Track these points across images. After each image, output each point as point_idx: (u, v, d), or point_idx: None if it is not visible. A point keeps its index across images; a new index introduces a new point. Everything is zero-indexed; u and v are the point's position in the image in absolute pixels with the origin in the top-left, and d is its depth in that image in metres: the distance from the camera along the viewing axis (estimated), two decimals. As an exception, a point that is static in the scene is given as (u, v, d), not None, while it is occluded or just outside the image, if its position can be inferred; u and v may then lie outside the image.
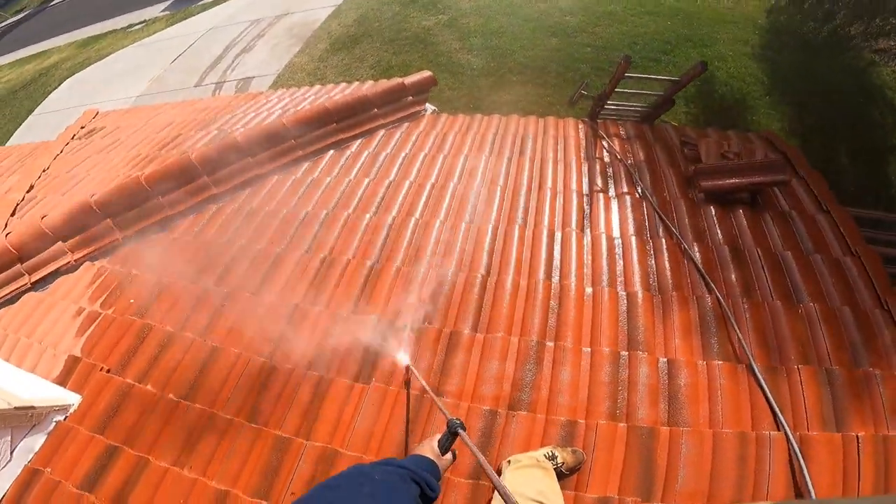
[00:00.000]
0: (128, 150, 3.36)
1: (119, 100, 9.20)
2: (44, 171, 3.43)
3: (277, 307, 2.01)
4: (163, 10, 12.97)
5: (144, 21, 12.76)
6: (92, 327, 2.08)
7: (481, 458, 1.01)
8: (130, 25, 12.81)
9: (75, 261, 2.37)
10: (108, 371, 1.93)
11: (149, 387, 1.85)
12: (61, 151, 3.69)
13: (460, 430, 1.14)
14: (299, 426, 1.69)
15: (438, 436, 1.17)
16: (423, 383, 1.59)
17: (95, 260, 2.39)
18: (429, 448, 1.12)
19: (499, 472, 1.49)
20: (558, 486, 1.39)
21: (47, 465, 1.74)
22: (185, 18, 11.92)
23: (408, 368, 1.75)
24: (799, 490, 1.43)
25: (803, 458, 1.46)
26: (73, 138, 3.92)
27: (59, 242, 2.37)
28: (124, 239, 2.43)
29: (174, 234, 2.42)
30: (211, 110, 3.66)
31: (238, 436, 1.69)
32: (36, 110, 10.17)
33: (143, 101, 8.90)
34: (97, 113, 4.35)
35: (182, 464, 1.66)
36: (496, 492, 1.36)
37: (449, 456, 1.15)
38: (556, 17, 8.13)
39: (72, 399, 1.87)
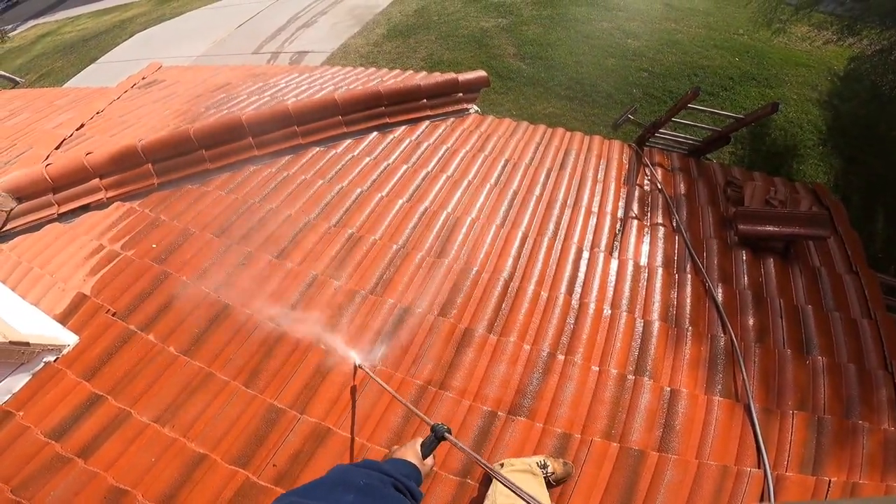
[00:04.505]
0: (182, 103, 3.48)
1: (181, 57, 9.53)
2: (98, 112, 3.57)
3: (297, 274, 2.03)
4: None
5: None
6: (108, 267, 2.06)
7: (475, 455, 1.00)
8: (211, -14, 13.23)
9: (107, 198, 2.39)
10: (115, 314, 1.88)
11: (150, 336, 1.81)
12: (118, 97, 3.85)
13: (447, 435, 1.12)
14: (296, 398, 1.67)
15: (421, 439, 1.15)
16: (391, 391, 1.53)
17: (127, 201, 2.41)
18: (412, 452, 1.10)
19: (489, 476, 1.50)
20: (547, 495, 1.40)
21: (21, 409, 1.65)
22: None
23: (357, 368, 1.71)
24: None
25: (774, 496, 1.51)
26: (133, 87, 4.09)
27: (96, 179, 2.41)
28: (160, 185, 2.46)
29: (208, 188, 2.47)
30: (267, 76, 3.76)
31: (231, 399, 1.65)
32: (100, 59, 10.60)
33: (203, 62, 9.21)
34: (160, 66, 4.52)
35: (164, 421, 1.61)
36: (493, 484, 1.38)
37: (430, 460, 1.13)
38: (617, 38, 8.05)
39: (68, 339, 1.78)
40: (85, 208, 2.39)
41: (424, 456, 1.12)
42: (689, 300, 2.12)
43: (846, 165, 6.01)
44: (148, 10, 12.92)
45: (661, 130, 3.43)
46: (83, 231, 2.27)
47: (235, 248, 2.14)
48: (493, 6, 9.16)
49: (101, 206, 2.41)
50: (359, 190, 2.45)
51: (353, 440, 1.60)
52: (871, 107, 6.49)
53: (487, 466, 1.00)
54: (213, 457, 1.53)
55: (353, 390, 1.71)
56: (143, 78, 4.27)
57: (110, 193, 2.43)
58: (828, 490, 1.55)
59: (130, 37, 11.28)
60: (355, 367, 1.71)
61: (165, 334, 1.83)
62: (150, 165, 2.49)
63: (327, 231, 2.23)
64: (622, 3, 8.94)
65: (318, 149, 2.73)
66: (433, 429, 1.15)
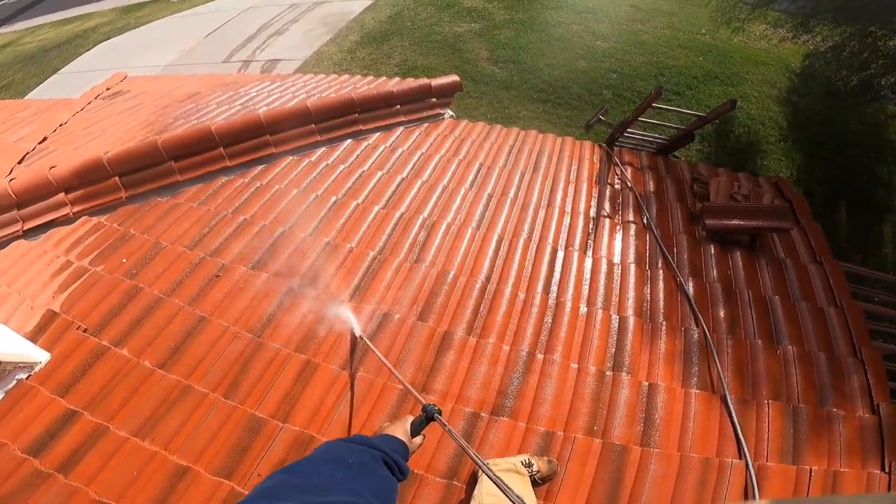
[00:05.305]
0: (148, 114, 3.40)
1: (147, 67, 9.31)
2: (61, 125, 3.46)
3: (273, 284, 2.01)
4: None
5: (191, -7, 12.93)
6: (77, 283, 2.02)
7: (461, 441, 1.02)
8: (177, -5, 12.99)
9: (73, 213, 2.33)
10: (86, 330, 1.85)
11: (124, 351, 1.79)
12: (82, 109, 3.74)
13: (437, 416, 1.15)
14: (278, 408, 1.67)
15: (411, 417, 1.18)
16: (391, 367, 1.57)
17: (94, 215, 2.35)
18: (401, 429, 1.11)
19: (475, 476, 1.52)
20: (533, 494, 1.42)
21: (-5, 427, 1.62)
22: (227, -6, 12.07)
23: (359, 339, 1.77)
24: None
25: (758, 487, 1.54)
26: (96, 98, 3.98)
27: (62, 194, 2.34)
28: (128, 198, 2.40)
29: (179, 201, 2.42)
30: (237, 85, 3.71)
31: (211, 411, 1.64)
32: (62, 69, 10.27)
33: (171, 71, 9.01)
34: (125, 76, 4.41)
35: (144, 435, 1.60)
36: (478, 484, 1.39)
37: (419, 439, 1.16)
38: (587, 40, 8.24)
39: (40, 357, 1.77)
40: (51, 224, 2.31)
41: (414, 434, 1.14)
42: (661, 295, 2.17)
43: (807, 160, 6.29)
44: (111, 19, 12.58)
45: (629, 130, 3.53)
46: (50, 247, 2.21)
47: (209, 260, 2.11)
48: (465, 11, 9.25)
49: (67, 221, 2.33)
50: (334, 198, 2.44)
51: (351, 420, 1.64)
52: (826, 102, 6.80)
53: (478, 459, 1.00)
54: (197, 468, 1.52)
55: (352, 374, 1.76)
56: (108, 88, 4.16)
57: (77, 208, 2.35)
58: (809, 479, 1.58)
59: (94, 46, 10.95)
60: (356, 339, 1.76)
61: (140, 349, 1.80)
62: (117, 178, 2.42)
63: (303, 240, 2.22)
64: (591, 6, 9.16)
65: (291, 157, 2.71)
66: (424, 408, 1.18)
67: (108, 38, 11.17)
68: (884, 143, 6.56)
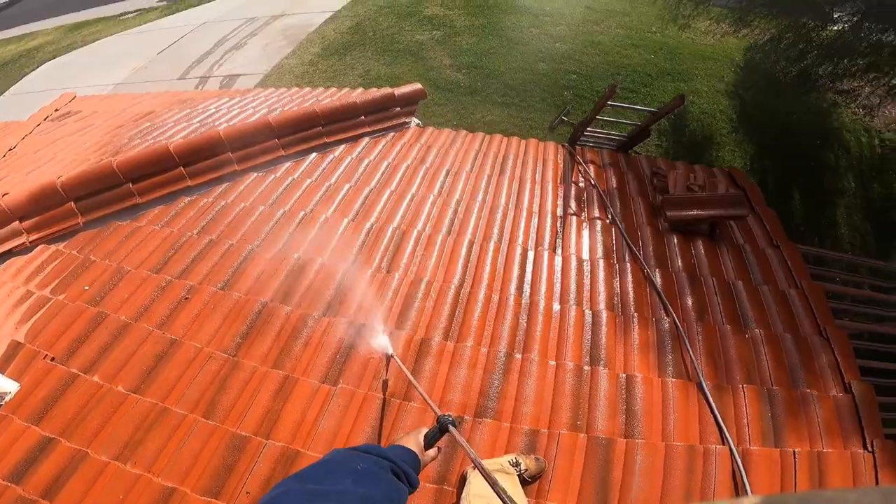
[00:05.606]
0: (101, 135, 3.27)
1: (98, 86, 8.95)
2: (10, 150, 3.30)
3: (245, 303, 1.98)
4: (159, 1, 12.77)
5: (139, 10, 12.52)
6: (40, 313, 1.98)
7: (472, 453, 1.01)
8: (124, 13, 12.55)
9: (30, 242, 2.25)
10: (53, 359, 1.83)
11: (95, 378, 1.77)
12: (31, 132, 3.57)
13: (451, 427, 1.12)
14: (259, 425, 1.66)
15: (425, 429, 1.15)
16: (411, 377, 1.57)
17: (52, 243, 2.28)
18: (413, 441, 1.09)
19: (464, 478, 1.52)
20: (522, 492, 1.43)
21: (-29, 457, 1.59)
22: (181, 11, 11.77)
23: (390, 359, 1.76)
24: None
25: (745, 472, 1.56)
26: (45, 120, 3.81)
27: (16, 222, 2.26)
28: (86, 224, 2.35)
29: (140, 223, 2.36)
30: (195, 102, 3.62)
31: (192, 432, 1.63)
32: (7, 91, 9.76)
33: (124, 90, 8.69)
34: (74, 96, 4.23)
35: (125, 458, 1.58)
36: (466, 485, 1.40)
37: (433, 451, 1.13)
38: (545, 43, 8.44)
39: (9, 387, 1.76)
40: (8, 254, 2.23)
41: (427, 447, 1.11)
42: (631, 287, 2.23)
43: (758, 150, 6.62)
44: (56, 38, 12.04)
45: (589, 129, 3.64)
46: (8, 278, 2.14)
47: (177, 282, 2.07)
48: (426, 19, 9.32)
49: (24, 250, 2.25)
50: (302, 213, 2.41)
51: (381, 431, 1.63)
52: (769, 94, 7.17)
53: (479, 462, 1.00)
54: (183, 489, 1.50)
55: (385, 384, 1.79)
56: (57, 110, 3.99)
57: (33, 236, 2.27)
58: (795, 461, 1.60)
59: (39, 66, 10.45)
60: (388, 358, 1.77)
61: (111, 374, 1.78)
62: (72, 204, 2.34)
63: (272, 257, 2.18)
64: (547, 9, 9.39)
65: (256, 174, 2.67)
66: (438, 420, 1.15)
67: (55, 58, 10.68)
68: (828, 130, 6.97)
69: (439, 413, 1.18)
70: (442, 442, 1.16)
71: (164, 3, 12.60)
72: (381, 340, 1.81)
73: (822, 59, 5.78)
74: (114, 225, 2.35)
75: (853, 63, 5.64)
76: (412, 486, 0.93)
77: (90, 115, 3.77)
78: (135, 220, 2.39)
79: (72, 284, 2.09)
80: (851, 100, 7.04)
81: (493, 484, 0.88)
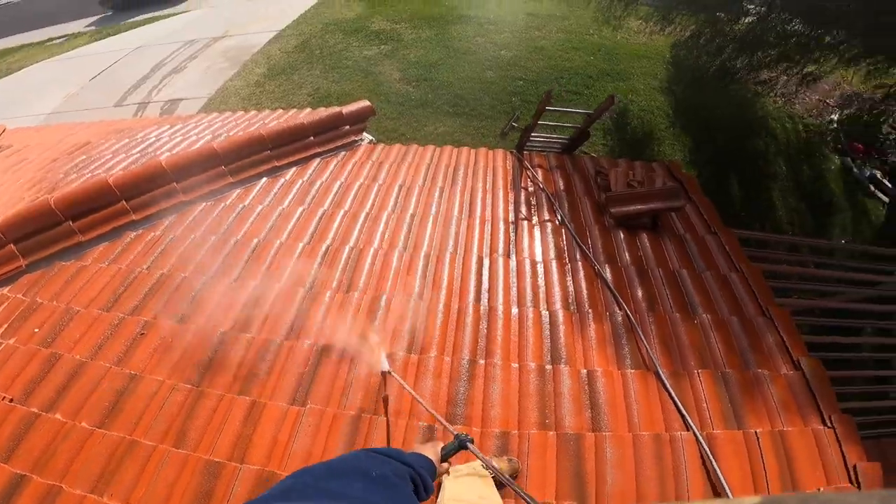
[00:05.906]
0: (36, 170, 3.11)
1: (28, 116, 8.43)
2: (-67, 193, 3.07)
3: (204, 334, 1.95)
4: (87, 26, 12.17)
5: (66, 36, 11.89)
6: None
7: (497, 469, 1.06)
8: (50, 39, 11.88)
9: None
10: (11, 400, 1.80)
11: (58, 416, 1.75)
12: (-46, 173, 3.34)
13: (469, 445, 1.18)
14: (232, 450, 1.65)
15: (441, 443, 1.19)
16: (413, 393, 1.60)
17: None
18: (432, 451, 1.11)
19: (438, 485, 1.54)
20: (498, 495, 1.46)
21: (-56, 500, 1.53)
22: (112, 35, 11.27)
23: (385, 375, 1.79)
24: (713, 484, 1.59)
25: (713, 455, 1.63)
26: (-31, 159, 3.56)
27: None
28: (29, 266, 2.26)
29: (85, 262, 2.29)
30: (133, 131, 3.50)
31: (165, 461, 1.61)
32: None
33: (56, 119, 8.22)
34: (4, 129, 3.99)
35: (101, 491, 1.56)
36: (441, 491, 1.43)
37: (444, 465, 1.16)
38: (491, 51, 8.67)
39: None
40: (-50, 304, 2.11)
41: (443, 459, 1.15)
42: (584, 285, 2.32)
43: (694, 142, 7.06)
44: (-24, 68, 11.26)
45: (534, 134, 3.78)
46: None
47: (130, 319, 2.03)
48: (373, 34, 9.37)
49: (-34, 298, 2.13)
50: (255, 240, 2.38)
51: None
52: (695, 88, 7.65)
53: (502, 475, 1.02)
54: None
55: (385, 399, 1.80)
56: (-18, 150, 3.74)
57: (-27, 283, 2.15)
58: (758, 441, 1.64)
59: (-42, 100, 9.73)
60: (384, 375, 1.80)
61: (73, 411, 1.76)
62: (12, 246, 2.24)
63: (229, 287, 2.15)
64: (492, 17, 9.68)
65: (205, 203, 2.61)
66: (457, 437, 1.20)
67: (-24, 90, 9.98)
68: (753, 119, 7.52)
69: (453, 430, 1.24)
70: (453, 458, 1.21)
71: (93, 27, 12.03)
72: (377, 358, 1.83)
73: (738, 52, 6.15)
74: (58, 265, 2.27)
75: (766, 54, 5.99)
76: (427, 493, 0.95)
77: (22, 148, 3.57)
78: (79, 258, 2.31)
79: (20, 328, 2.04)
80: (769, 89, 7.60)
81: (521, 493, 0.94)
